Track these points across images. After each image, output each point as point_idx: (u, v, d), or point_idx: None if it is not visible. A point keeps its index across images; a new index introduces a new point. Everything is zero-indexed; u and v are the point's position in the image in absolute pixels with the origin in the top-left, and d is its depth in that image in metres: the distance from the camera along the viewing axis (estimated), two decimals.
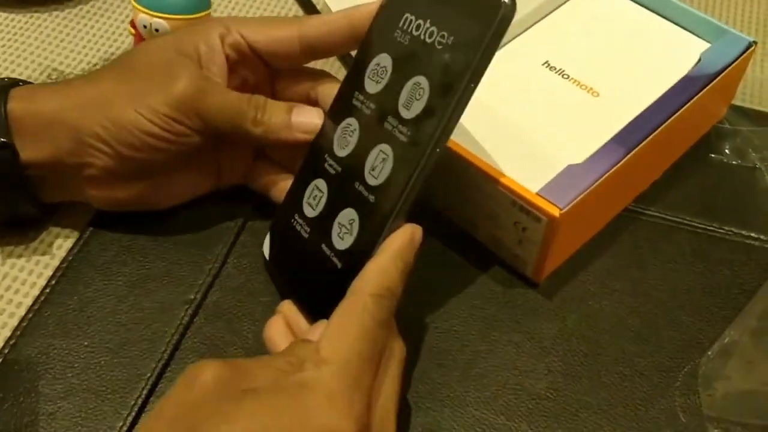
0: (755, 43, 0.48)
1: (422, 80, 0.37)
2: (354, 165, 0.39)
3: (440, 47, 0.36)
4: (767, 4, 0.64)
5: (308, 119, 0.42)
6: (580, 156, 0.43)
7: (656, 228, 0.48)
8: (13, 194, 0.43)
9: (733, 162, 0.51)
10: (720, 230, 0.48)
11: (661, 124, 0.44)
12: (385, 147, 0.37)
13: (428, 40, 0.37)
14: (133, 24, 0.55)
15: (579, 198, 0.41)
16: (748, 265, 0.46)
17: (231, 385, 0.31)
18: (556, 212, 0.40)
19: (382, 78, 0.39)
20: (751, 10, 0.63)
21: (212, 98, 0.41)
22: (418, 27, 0.38)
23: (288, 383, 0.32)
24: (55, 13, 0.59)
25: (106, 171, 0.42)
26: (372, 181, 0.38)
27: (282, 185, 0.45)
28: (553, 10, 0.52)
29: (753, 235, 0.48)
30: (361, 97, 0.40)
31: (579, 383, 0.41)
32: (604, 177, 0.42)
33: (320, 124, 0.42)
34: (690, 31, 0.50)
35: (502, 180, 0.41)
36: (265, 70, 0.45)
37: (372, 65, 0.39)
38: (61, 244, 0.46)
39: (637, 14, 0.51)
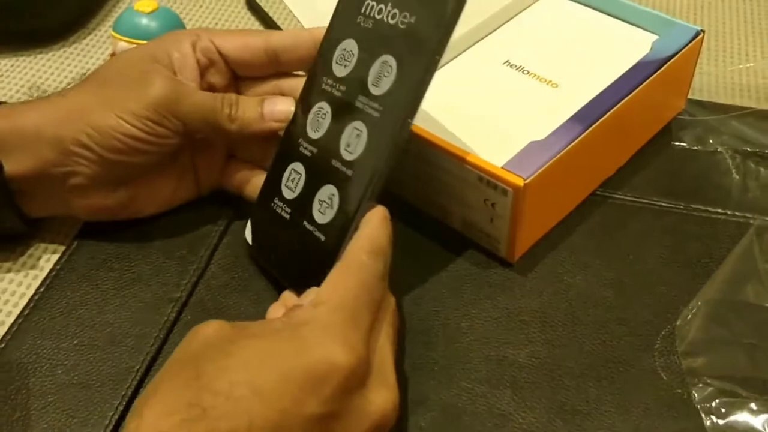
0: (703, 31, 0.51)
1: (389, 58, 0.39)
2: (329, 144, 0.41)
3: (404, 26, 0.39)
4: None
5: (279, 107, 0.44)
6: (541, 135, 0.45)
7: (624, 209, 0.50)
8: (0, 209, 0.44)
9: (695, 148, 0.54)
10: (686, 208, 0.50)
11: (617, 103, 0.46)
12: (359, 123, 0.40)
13: (391, 21, 0.40)
14: (113, 55, 0.58)
15: (542, 169, 0.43)
16: (715, 238, 0.48)
17: (232, 334, 0.33)
18: (520, 182, 0.42)
19: (350, 61, 0.41)
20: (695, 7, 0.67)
21: (187, 99, 0.43)
22: (380, 11, 0.40)
23: (286, 325, 0.34)
24: (39, 55, 0.62)
25: (91, 178, 0.44)
26: (348, 156, 0.40)
27: (255, 182, 0.46)
28: (511, 18, 0.55)
29: (719, 210, 0.49)
30: (330, 81, 0.42)
31: (559, 351, 0.42)
32: (564, 150, 0.44)
33: (292, 110, 0.44)
34: (639, 27, 0.53)
35: (468, 158, 0.43)
36: (231, 78, 0.47)
37: (339, 51, 0.42)
38: (49, 257, 0.47)
39: (588, 15, 0.54)
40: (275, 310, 0.40)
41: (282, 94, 0.46)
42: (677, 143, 0.54)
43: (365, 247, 0.37)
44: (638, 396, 0.40)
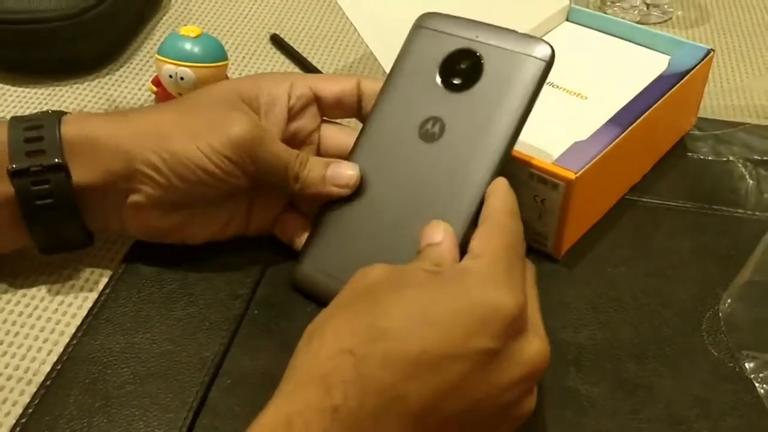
0: (713, 50, 0.56)
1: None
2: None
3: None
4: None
5: (343, 171, 0.45)
6: (583, 136, 0.48)
7: (653, 211, 0.53)
8: (63, 218, 0.44)
9: (709, 158, 0.58)
10: (710, 209, 0.53)
11: (648, 109, 0.50)
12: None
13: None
14: (155, 81, 0.60)
15: (589, 165, 0.46)
16: (739, 234, 0.51)
17: (400, 275, 0.36)
18: (572, 176, 0.45)
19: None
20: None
21: (266, 147, 0.44)
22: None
23: (449, 271, 0.37)
24: (75, 86, 0.64)
25: (151, 199, 0.44)
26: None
27: (305, 237, 0.47)
28: None
29: (739, 210, 0.53)
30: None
31: (614, 333, 0.45)
32: (608, 148, 0.47)
33: (356, 175, 0.45)
34: (652, 49, 0.57)
35: (519, 156, 0.46)
36: (318, 122, 0.49)
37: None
38: (113, 257, 0.49)
39: (604, 39, 0.59)
40: None
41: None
42: (692, 154, 0.58)
43: (505, 210, 0.40)
44: (693, 370, 0.43)
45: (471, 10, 0.47)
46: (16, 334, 0.44)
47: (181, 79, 0.56)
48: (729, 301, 0.46)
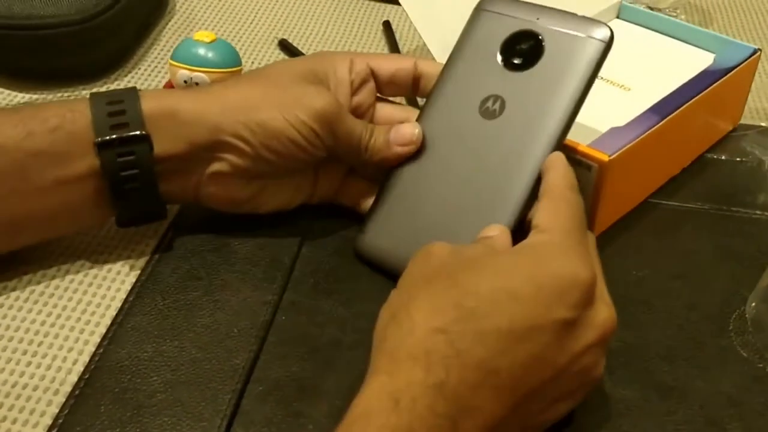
0: (759, 50, 0.56)
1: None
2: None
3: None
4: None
5: (404, 131, 0.47)
6: (620, 123, 0.49)
7: (675, 213, 0.53)
8: (145, 189, 0.45)
9: (722, 157, 0.58)
10: (729, 211, 0.53)
11: (688, 101, 0.51)
12: None
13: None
14: (168, 86, 0.59)
15: (624, 149, 0.47)
16: (759, 235, 0.52)
17: (465, 254, 0.38)
18: (605, 158, 0.46)
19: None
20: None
21: (344, 120, 0.46)
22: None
23: (521, 247, 0.38)
24: (83, 92, 0.63)
25: (235, 168, 0.45)
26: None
27: (371, 200, 0.49)
28: None
29: (758, 212, 0.53)
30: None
31: (643, 335, 0.45)
32: (643, 135, 0.48)
33: (416, 132, 0.47)
34: (698, 47, 0.58)
35: None
36: (374, 98, 0.51)
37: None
38: (133, 263, 0.48)
39: (651, 35, 0.60)
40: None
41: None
42: (708, 154, 0.58)
43: (566, 184, 0.41)
44: (724, 372, 0.43)
45: None
46: (40, 343, 0.43)
47: (196, 84, 0.56)
48: (754, 303, 0.46)
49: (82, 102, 0.44)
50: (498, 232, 0.41)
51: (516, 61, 0.46)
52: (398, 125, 0.48)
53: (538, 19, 0.46)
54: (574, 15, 0.46)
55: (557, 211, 0.39)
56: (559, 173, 0.42)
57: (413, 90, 0.51)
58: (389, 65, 0.50)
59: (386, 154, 0.47)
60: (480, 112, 0.46)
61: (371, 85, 0.50)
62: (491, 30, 0.47)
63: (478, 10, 0.49)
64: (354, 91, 0.49)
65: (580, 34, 0.45)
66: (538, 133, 0.44)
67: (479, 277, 0.36)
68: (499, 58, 0.47)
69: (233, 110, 0.45)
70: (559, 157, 0.43)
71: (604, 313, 0.37)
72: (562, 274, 0.36)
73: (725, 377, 0.43)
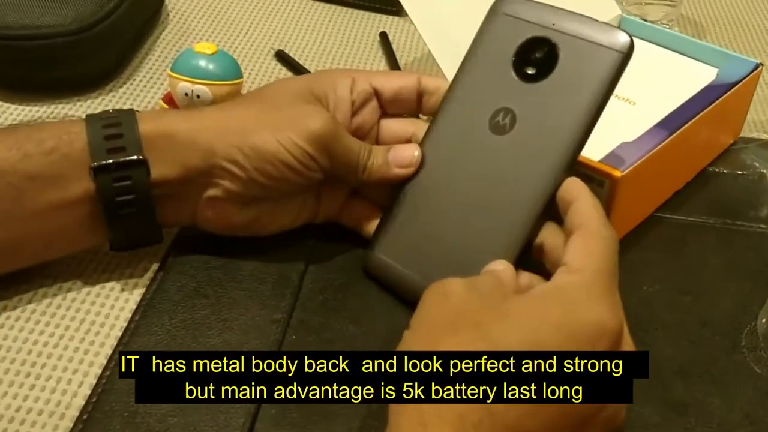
0: (761, 64, 0.56)
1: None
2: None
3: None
4: None
5: (402, 152, 0.46)
6: (629, 138, 0.49)
7: (681, 227, 0.53)
8: (141, 214, 0.44)
9: (726, 171, 0.58)
10: (734, 224, 0.53)
11: (695, 116, 0.51)
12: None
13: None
14: (167, 98, 0.58)
15: (636, 164, 0.47)
16: (765, 249, 0.52)
17: (476, 288, 0.36)
18: (618, 173, 0.46)
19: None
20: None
21: (341, 141, 0.45)
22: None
23: (542, 288, 0.36)
24: (78, 103, 0.62)
25: (229, 193, 0.44)
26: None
27: (374, 222, 0.48)
28: None
29: (762, 226, 0.53)
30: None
31: (656, 351, 0.44)
32: (654, 150, 0.48)
33: (416, 155, 0.46)
34: (701, 61, 0.58)
35: None
36: (378, 116, 0.50)
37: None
38: (136, 281, 0.47)
39: (654, 49, 0.60)
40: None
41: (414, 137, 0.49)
42: (710, 168, 0.58)
43: (600, 219, 0.39)
44: (738, 388, 0.43)
45: None
46: (43, 365, 0.42)
47: (198, 97, 0.55)
48: (765, 320, 0.46)
49: (78, 123, 0.44)
50: (503, 267, 0.40)
51: (529, 71, 0.44)
52: (397, 146, 0.47)
53: (554, 24, 0.44)
54: (593, 20, 0.43)
55: (590, 250, 0.37)
56: (588, 204, 0.40)
57: (417, 107, 0.50)
58: (392, 83, 0.49)
59: (385, 174, 0.46)
60: (490, 127, 0.44)
61: (374, 104, 0.49)
62: (504, 36, 0.45)
63: (492, 13, 0.46)
64: (356, 111, 0.49)
65: (597, 43, 0.43)
66: (550, 153, 0.42)
67: (508, 330, 0.34)
68: (511, 67, 0.45)
69: (228, 133, 0.44)
70: (580, 184, 0.41)
71: None
72: (589, 322, 0.35)
73: (740, 394, 0.42)
